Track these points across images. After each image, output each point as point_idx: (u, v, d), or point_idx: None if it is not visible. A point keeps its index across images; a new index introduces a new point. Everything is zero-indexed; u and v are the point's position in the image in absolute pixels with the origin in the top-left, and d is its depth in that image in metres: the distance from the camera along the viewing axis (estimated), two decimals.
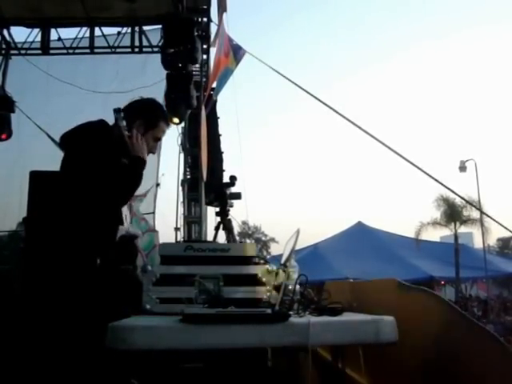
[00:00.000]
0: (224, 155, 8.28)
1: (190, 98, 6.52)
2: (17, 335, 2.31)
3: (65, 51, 7.85)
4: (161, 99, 7.21)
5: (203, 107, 7.38)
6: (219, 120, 8.55)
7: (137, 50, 7.83)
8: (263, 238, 45.89)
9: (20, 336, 2.25)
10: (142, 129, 2.30)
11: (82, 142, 2.19)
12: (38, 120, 8.16)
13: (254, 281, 2.05)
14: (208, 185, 7.30)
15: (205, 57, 8.02)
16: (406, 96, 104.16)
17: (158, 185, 8.18)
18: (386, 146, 4.19)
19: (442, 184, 4.32)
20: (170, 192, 8.40)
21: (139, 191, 3.52)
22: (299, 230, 1.85)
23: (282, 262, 1.91)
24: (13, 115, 7.47)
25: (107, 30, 7.80)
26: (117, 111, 2.22)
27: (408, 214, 68.65)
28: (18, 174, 7.69)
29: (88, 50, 7.83)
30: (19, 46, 7.96)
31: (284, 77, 5.22)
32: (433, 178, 4.13)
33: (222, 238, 3.95)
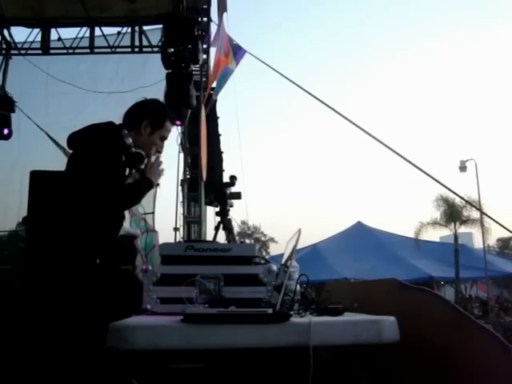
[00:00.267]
0: (224, 155, 8.29)
1: (190, 97, 6.51)
2: (17, 335, 2.31)
3: (65, 51, 7.85)
4: (161, 99, 7.21)
5: (203, 107, 7.39)
6: (219, 120, 8.57)
7: (137, 49, 7.83)
8: (262, 238, 45.91)
9: (20, 336, 2.25)
10: (149, 129, 2.33)
11: (92, 142, 2.20)
12: (38, 120, 8.16)
13: (255, 281, 2.05)
14: (208, 184, 7.30)
15: (205, 56, 8.02)
16: (405, 96, 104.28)
17: (157, 185, 8.16)
18: (386, 145, 4.19)
19: (441, 184, 4.31)
20: (169, 192, 8.39)
21: None
22: (300, 230, 1.85)
23: (283, 261, 1.91)
24: (13, 115, 7.47)
25: (107, 30, 7.81)
26: (120, 129, 2.26)
27: (408, 214, 68.76)
28: (17, 174, 7.71)
29: (88, 50, 7.83)
30: (19, 45, 7.96)
31: (284, 76, 5.22)
32: (433, 178, 4.12)
33: (221, 237, 3.94)
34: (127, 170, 2.31)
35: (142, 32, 7.76)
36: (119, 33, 7.76)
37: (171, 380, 1.72)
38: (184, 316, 1.61)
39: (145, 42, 7.78)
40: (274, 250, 40.00)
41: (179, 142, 7.82)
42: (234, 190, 3.95)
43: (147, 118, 2.33)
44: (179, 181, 8.42)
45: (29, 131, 8.17)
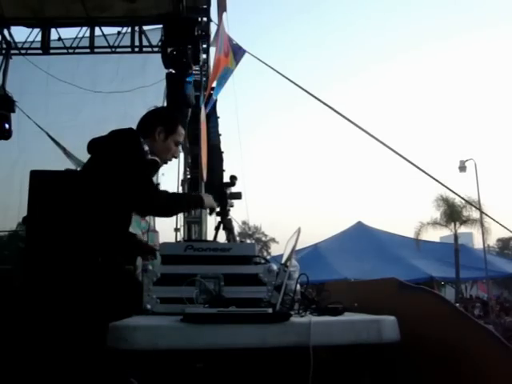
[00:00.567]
0: (224, 155, 8.30)
1: (190, 97, 6.52)
2: (17, 335, 2.31)
3: (65, 51, 7.84)
4: (161, 99, 7.23)
5: (203, 107, 7.39)
6: (219, 119, 8.58)
7: (137, 49, 7.82)
8: (263, 238, 45.96)
9: (20, 335, 2.25)
10: (163, 135, 2.38)
11: (118, 145, 2.24)
12: (38, 120, 8.16)
13: (255, 280, 2.05)
14: (208, 184, 7.31)
15: (204, 56, 8.03)
16: (405, 96, 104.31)
17: (157, 185, 8.18)
18: (386, 145, 4.20)
19: (442, 184, 4.32)
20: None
21: None
22: (300, 229, 1.85)
23: (283, 261, 1.91)
24: (13, 115, 7.46)
25: (107, 30, 7.79)
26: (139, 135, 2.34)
27: (408, 214, 68.71)
28: (18, 174, 7.70)
29: (88, 50, 7.82)
30: (19, 45, 7.95)
31: (284, 76, 5.22)
32: (433, 177, 4.13)
33: (222, 238, 3.93)
34: None
35: (141, 32, 7.75)
36: (119, 33, 7.75)
37: (174, 380, 1.72)
38: (184, 316, 1.61)
39: (145, 42, 7.78)
40: (275, 250, 40.05)
41: None
42: (234, 190, 3.95)
43: (160, 125, 2.38)
44: (180, 181, 8.43)
45: (29, 131, 8.17)
